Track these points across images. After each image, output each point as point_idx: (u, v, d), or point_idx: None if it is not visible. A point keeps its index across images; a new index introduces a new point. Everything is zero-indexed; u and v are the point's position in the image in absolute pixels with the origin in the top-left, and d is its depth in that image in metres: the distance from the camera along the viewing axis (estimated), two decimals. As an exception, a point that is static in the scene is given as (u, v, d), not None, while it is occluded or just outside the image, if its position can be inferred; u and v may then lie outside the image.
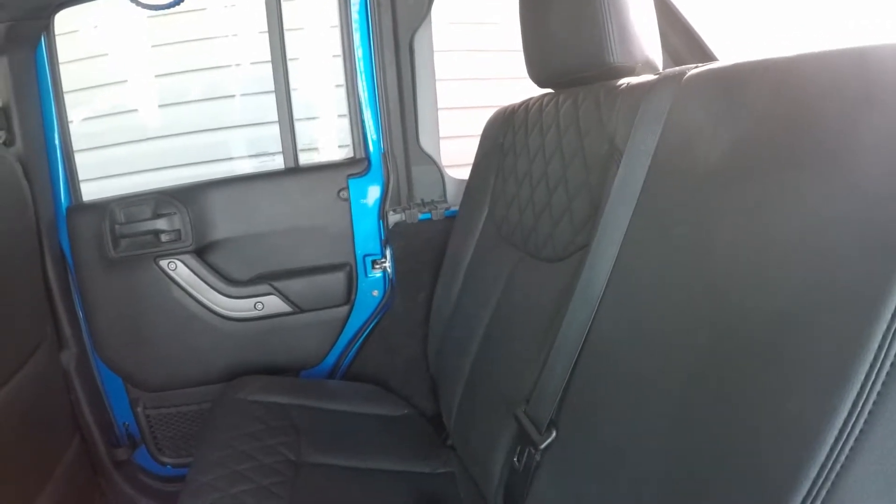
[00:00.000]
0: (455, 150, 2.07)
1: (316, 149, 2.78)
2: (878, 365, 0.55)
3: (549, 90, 1.38)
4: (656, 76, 1.03)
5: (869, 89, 0.64)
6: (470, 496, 1.40)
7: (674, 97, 0.94)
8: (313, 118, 2.78)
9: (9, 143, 1.62)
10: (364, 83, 1.87)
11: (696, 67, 0.95)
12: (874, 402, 0.55)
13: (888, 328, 0.54)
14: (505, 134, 1.46)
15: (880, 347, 0.55)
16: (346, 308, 1.93)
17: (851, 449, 0.56)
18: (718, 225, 0.78)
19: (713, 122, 0.84)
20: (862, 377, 0.55)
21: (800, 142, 0.69)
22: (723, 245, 0.76)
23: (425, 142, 1.94)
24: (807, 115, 0.70)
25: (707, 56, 1.60)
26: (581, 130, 1.17)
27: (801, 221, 0.66)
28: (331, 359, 1.99)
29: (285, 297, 1.86)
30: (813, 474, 0.58)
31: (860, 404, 0.56)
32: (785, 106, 0.74)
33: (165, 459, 2.01)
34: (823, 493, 0.57)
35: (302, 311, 1.89)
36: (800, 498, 0.58)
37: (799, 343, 0.62)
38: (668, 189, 0.90)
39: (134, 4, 1.47)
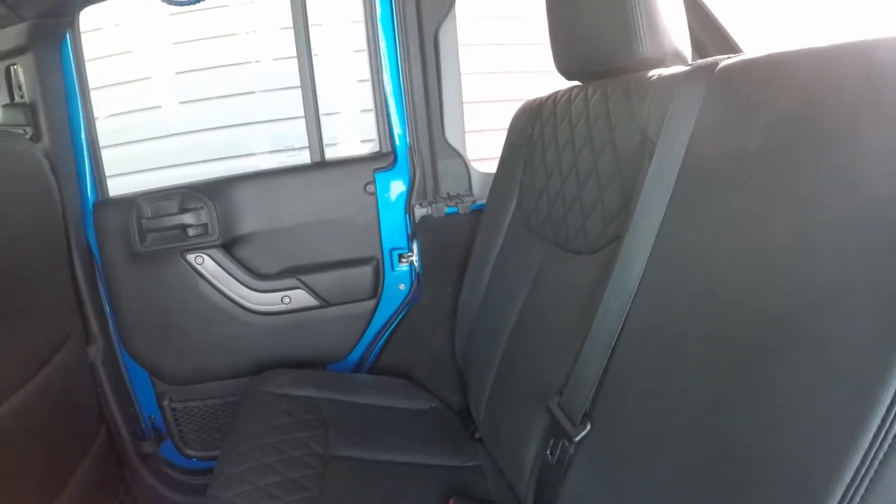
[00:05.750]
0: (481, 143, 2.05)
1: (341, 144, 2.79)
2: None
3: (577, 83, 1.36)
4: (687, 67, 1.02)
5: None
6: (499, 490, 1.38)
7: (707, 88, 0.92)
8: (338, 113, 2.78)
9: (36, 138, 1.63)
10: (389, 77, 1.86)
11: (729, 58, 0.93)
12: None
13: None
14: (533, 126, 1.44)
15: None
16: (372, 302, 1.92)
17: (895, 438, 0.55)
18: (754, 218, 0.76)
19: (748, 113, 0.83)
20: None
21: (833, 135, 0.68)
22: (757, 238, 0.75)
23: (451, 135, 1.93)
24: (844, 107, 0.68)
25: (733, 48, 1.58)
26: (612, 122, 1.15)
27: (836, 216, 0.65)
28: (357, 352, 1.98)
29: (312, 291, 1.86)
30: (855, 464, 0.57)
31: None
32: (821, 97, 0.72)
33: (191, 453, 2.02)
34: (867, 481, 0.57)
35: (329, 304, 1.89)
36: (842, 489, 0.57)
37: (835, 340, 0.61)
38: (704, 181, 0.89)
39: (159, 1, 1.48)
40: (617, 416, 0.97)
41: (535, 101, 1.49)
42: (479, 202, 1.84)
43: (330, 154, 1.91)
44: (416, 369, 1.96)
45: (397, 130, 1.88)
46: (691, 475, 0.79)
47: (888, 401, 0.55)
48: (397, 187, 1.89)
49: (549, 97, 1.42)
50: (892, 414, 0.55)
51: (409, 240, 1.92)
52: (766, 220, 0.74)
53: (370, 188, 1.85)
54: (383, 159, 1.88)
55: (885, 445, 0.56)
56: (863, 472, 0.57)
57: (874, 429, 0.56)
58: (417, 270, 1.93)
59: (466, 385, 1.64)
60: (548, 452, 1.10)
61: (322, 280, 1.87)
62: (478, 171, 1.95)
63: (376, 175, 1.86)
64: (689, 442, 0.80)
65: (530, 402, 1.20)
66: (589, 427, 1.01)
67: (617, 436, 0.97)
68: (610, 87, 1.18)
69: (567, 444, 1.05)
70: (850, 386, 0.59)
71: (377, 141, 1.95)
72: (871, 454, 0.56)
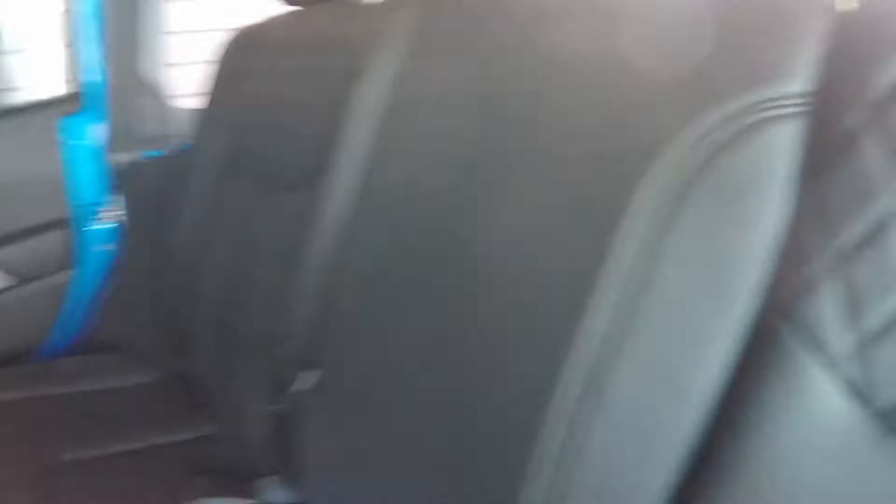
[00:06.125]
0: (187, 77, 1.86)
1: (27, 88, 2.47)
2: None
3: (294, 7, 1.29)
4: None
5: None
6: (238, 453, 1.29)
7: (422, 9, 0.90)
8: (25, 52, 2.46)
9: None
10: (79, 8, 1.60)
11: None
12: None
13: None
14: (241, 57, 1.37)
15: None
16: (72, 270, 1.69)
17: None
18: (464, 147, 0.75)
19: (461, 37, 0.82)
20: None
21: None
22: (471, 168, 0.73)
23: (151, 70, 1.74)
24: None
25: None
26: (322, 49, 1.11)
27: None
28: (66, 332, 1.74)
29: None
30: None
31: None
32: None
33: None
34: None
35: (20, 282, 1.63)
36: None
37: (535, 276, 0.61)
38: (415, 109, 0.86)
39: None
40: (343, 359, 0.94)
41: (244, 29, 1.40)
42: (186, 143, 1.65)
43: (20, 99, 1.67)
44: (135, 339, 1.75)
45: (87, 67, 1.63)
46: (424, 410, 0.76)
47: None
48: (90, 133, 1.64)
49: (259, 24, 1.35)
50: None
51: (109, 192, 1.69)
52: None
53: (54, 137, 1.60)
54: (69, 102, 1.63)
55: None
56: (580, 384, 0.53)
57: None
58: (121, 226, 1.71)
59: (189, 348, 1.52)
60: (277, 407, 1.05)
61: (6, 255, 1.60)
62: (183, 109, 1.77)
63: (62, 121, 1.61)
64: (417, 378, 0.77)
65: (252, 356, 1.17)
66: (315, 374, 0.97)
67: (345, 379, 0.93)
68: (322, 12, 1.15)
69: (293, 395, 1.00)
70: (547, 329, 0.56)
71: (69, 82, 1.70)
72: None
